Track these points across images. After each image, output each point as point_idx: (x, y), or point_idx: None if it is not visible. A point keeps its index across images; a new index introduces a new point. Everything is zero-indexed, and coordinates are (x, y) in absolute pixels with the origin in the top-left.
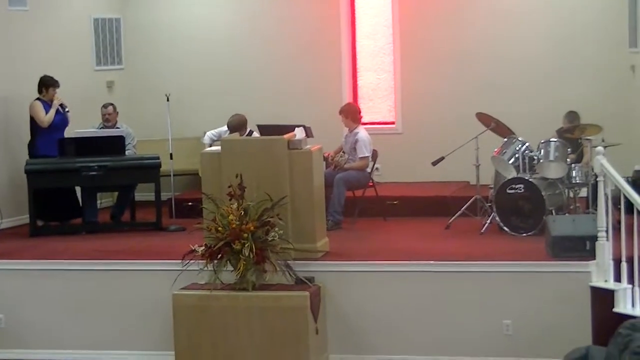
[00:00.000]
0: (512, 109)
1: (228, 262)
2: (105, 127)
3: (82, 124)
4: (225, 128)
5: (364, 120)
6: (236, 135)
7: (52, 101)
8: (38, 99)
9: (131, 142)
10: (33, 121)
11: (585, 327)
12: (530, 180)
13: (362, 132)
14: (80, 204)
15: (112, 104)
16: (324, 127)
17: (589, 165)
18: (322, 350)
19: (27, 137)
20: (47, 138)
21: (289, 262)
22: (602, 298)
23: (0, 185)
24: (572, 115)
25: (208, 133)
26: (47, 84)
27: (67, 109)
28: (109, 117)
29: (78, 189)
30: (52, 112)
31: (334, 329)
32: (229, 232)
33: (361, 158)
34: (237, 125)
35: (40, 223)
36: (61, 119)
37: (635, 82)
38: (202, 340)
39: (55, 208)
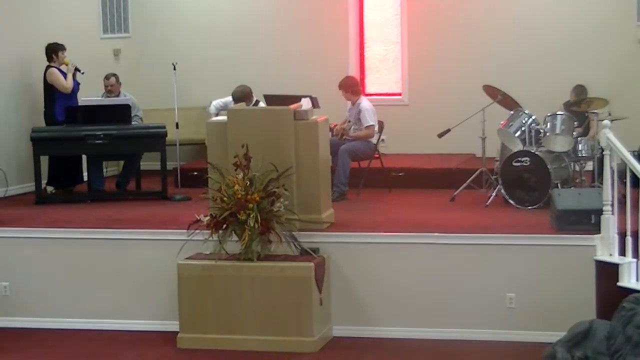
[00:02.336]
0: (519, 81)
1: (233, 232)
2: (108, 97)
3: (89, 93)
4: (230, 98)
5: (370, 91)
6: (242, 105)
7: (63, 66)
8: (50, 66)
9: (137, 113)
10: (49, 89)
11: (589, 300)
12: (536, 153)
13: (364, 102)
14: (84, 171)
15: (114, 75)
16: (331, 98)
17: (595, 138)
18: (326, 321)
19: (37, 105)
20: (65, 104)
21: (293, 233)
22: (607, 272)
23: (7, 152)
24: (580, 89)
25: (214, 102)
26: (55, 50)
27: (82, 71)
28: (111, 88)
29: (83, 157)
30: (70, 76)
31: (338, 300)
32: (234, 202)
33: (367, 127)
34: (242, 96)
35: (50, 189)
36: (76, 84)
37: None
38: (206, 310)
39: (59, 174)
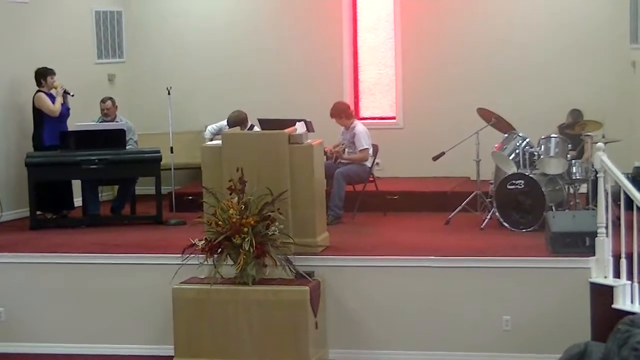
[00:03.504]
0: (513, 104)
1: (228, 256)
2: (104, 121)
3: (83, 117)
4: (225, 122)
5: (365, 114)
6: (237, 129)
7: (52, 90)
8: (39, 91)
9: (132, 136)
10: (37, 113)
11: (585, 323)
12: (530, 176)
13: (359, 126)
14: (74, 196)
15: (110, 98)
16: (325, 122)
17: (589, 161)
18: (322, 344)
19: (29, 130)
20: (53, 129)
21: (289, 256)
22: (602, 294)
23: (1, 177)
24: (577, 113)
25: (209, 127)
26: (43, 74)
27: (71, 93)
28: (107, 111)
29: (74, 182)
30: (59, 100)
31: (334, 323)
32: (229, 226)
33: (361, 150)
34: (237, 121)
35: (50, 215)
36: (65, 109)
37: (635, 79)
38: (202, 334)
39: (50, 200)
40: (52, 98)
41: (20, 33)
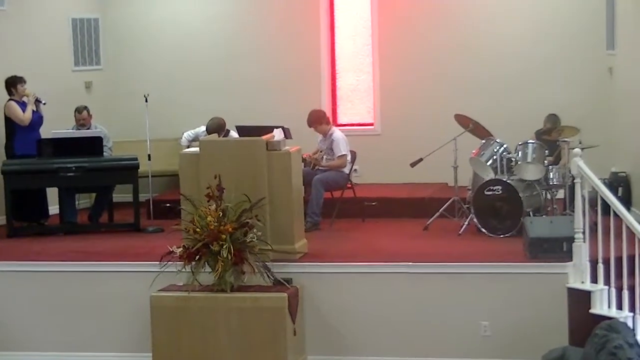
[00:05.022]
0: (490, 110)
1: (206, 263)
2: (79, 130)
3: (60, 125)
4: (202, 128)
5: (342, 121)
6: (214, 136)
7: (23, 98)
8: (10, 99)
9: (107, 143)
10: (8, 122)
11: (562, 327)
12: (507, 181)
13: (336, 132)
14: (50, 204)
15: (85, 108)
16: (303, 129)
17: (566, 167)
18: (301, 351)
19: (1, 139)
20: (24, 137)
21: (267, 263)
22: (579, 299)
23: None
24: (554, 118)
25: (185, 134)
26: (13, 83)
27: (43, 102)
28: (83, 121)
29: (49, 190)
30: (30, 108)
31: (312, 330)
32: (207, 233)
33: (339, 157)
34: (216, 128)
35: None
36: (38, 117)
37: (612, 84)
38: (180, 342)
39: (24, 209)
40: (24, 106)
41: None
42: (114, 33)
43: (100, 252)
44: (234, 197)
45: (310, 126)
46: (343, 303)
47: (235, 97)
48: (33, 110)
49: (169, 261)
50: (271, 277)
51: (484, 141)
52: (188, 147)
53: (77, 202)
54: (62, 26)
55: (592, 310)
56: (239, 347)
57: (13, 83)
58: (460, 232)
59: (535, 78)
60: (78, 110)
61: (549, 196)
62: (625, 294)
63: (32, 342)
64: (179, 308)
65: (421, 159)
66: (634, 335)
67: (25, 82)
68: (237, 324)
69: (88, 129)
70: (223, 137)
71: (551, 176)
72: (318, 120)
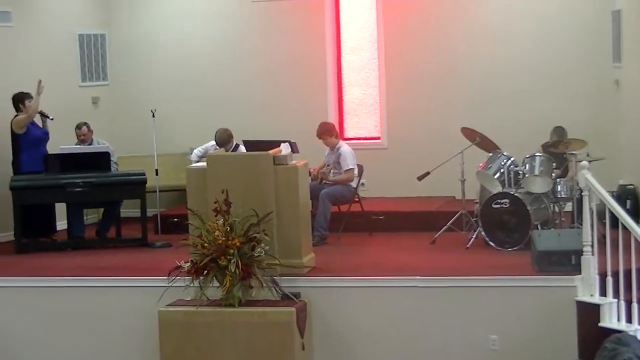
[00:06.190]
0: (497, 123)
1: (214, 278)
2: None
3: (67, 140)
4: (211, 143)
5: (349, 135)
6: (222, 150)
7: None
8: (17, 115)
9: (111, 158)
10: (16, 138)
11: (571, 341)
12: (515, 194)
13: (344, 147)
14: (57, 220)
15: (85, 124)
16: (310, 143)
17: (573, 179)
18: None
19: (9, 156)
20: (31, 154)
21: (275, 277)
22: (588, 312)
23: None
24: (560, 130)
25: (195, 150)
26: (21, 99)
27: (50, 117)
28: (84, 137)
29: (57, 205)
30: (37, 98)
31: (320, 344)
32: (214, 248)
33: (346, 171)
34: (226, 138)
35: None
36: (43, 133)
37: (619, 97)
38: (188, 357)
39: (32, 225)
40: (32, 125)
41: (4, 56)
42: (120, 49)
43: (108, 267)
44: (241, 212)
45: (319, 137)
46: (351, 317)
47: (242, 112)
48: (39, 127)
49: (177, 276)
50: (279, 291)
51: (491, 154)
52: (197, 162)
53: (85, 217)
54: (69, 42)
55: (601, 324)
56: None
57: (21, 99)
58: (467, 246)
59: (541, 91)
60: (78, 127)
61: (556, 209)
62: (635, 307)
63: (39, 357)
64: (187, 323)
65: (428, 173)
66: None
67: (32, 97)
68: (245, 339)
69: (89, 144)
70: (232, 151)
71: (559, 189)
72: (328, 132)
